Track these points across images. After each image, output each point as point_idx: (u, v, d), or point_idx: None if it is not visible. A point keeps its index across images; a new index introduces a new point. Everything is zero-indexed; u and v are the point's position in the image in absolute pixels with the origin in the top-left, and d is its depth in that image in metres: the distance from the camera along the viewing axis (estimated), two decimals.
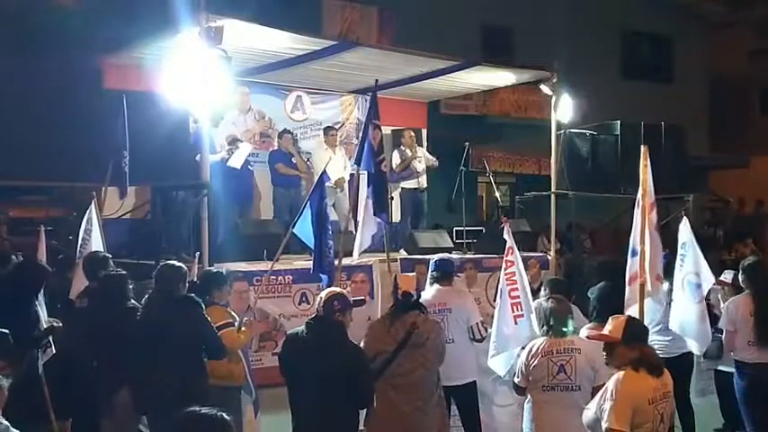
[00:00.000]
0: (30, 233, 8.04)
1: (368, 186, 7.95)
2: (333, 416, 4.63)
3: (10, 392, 3.56)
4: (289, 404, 4.81)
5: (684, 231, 6.28)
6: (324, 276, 6.73)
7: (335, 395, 4.60)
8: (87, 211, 7.39)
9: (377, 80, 8.12)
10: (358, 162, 8.14)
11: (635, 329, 4.23)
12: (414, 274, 5.64)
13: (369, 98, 12.34)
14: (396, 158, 11.22)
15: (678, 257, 6.24)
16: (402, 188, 11.38)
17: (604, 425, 3.94)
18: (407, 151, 11.28)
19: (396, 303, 5.30)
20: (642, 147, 5.84)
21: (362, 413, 4.99)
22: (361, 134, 7.41)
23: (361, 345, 5.15)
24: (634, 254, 5.73)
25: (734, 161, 20.33)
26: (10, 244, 8.41)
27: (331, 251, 6.81)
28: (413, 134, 11.52)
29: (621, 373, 4.04)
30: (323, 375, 4.59)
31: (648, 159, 5.81)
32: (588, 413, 4.17)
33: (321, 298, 4.87)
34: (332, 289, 5.08)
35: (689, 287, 6.08)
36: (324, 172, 7.21)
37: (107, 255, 6.77)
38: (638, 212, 5.80)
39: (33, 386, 5.45)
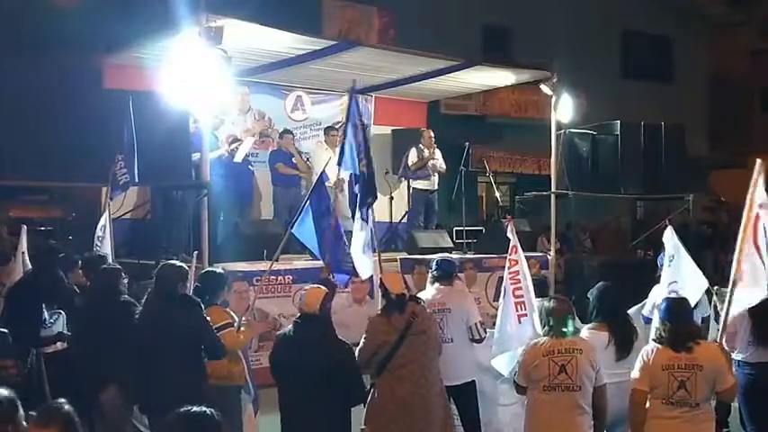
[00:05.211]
0: (29, 233, 8.04)
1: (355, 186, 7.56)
2: (324, 415, 4.67)
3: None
4: (279, 403, 4.87)
5: (671, 240, 6.38)
6: (344, 276, 6.65)
7: (327, 394, 4.64)
8: (102, 218, 7.43)
9: (354, 80, 7.76)
10: (339, 163, 7.51)
11: (672, 310, 4.87)
12: (398, 271, 5.64)
13: (367, 98, 12.49)
14: (413, 156, 11.17)
15: (667, 261, 6.33)
16: (414, 188, 11.34)
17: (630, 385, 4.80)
18: (425, 151, 11.22)
19: (388, 302, 5.32)
20: (758, 161, 5.85)
21: (362, 412, 5.02)
22: (340, 135, 7.14)
23: (362, 340, 5.18)
24: None
25: (734, 161, 20.29)
26: (10, 244, 8.41)
27: (348, 250, 6.74)
28: (432, 134, 11.42)
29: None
30: (315, 375, 4.63)
31: (762, 174, 5.88)
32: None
33: (307, 296, 4.92)
34: (315, 286, 5.11)
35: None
36: (323, 172, 7.16)
37: (102, 254, 6.83)
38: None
39: (35, 385, 5.46)
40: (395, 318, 5.18)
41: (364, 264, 6.85)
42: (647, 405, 4.74)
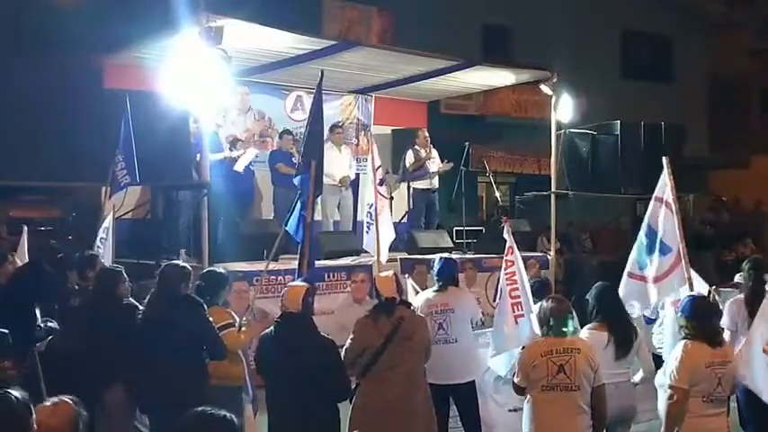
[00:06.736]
0: (29, 233, 8.04)
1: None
2: (311, 414, 4.69)
3: None
4: (266, 403, 4.90)
5: None
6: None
7: (313, 392, 4.66)
8: (106, 220, 7.45)
9: (322, 71, 7.54)
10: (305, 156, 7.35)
11: (697, 307, 4.88)
12: (391, 274, 5.60)
13: (368, 98, 12.49)
14: (410, 158, 11.15)
15: None
16: (414, 188, 11.32)
17: (668, 382, 4.72)
18: (422, 151, 11.20)
19: (377, 305, 5.36)
20: (664, 158, 6.42)
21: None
22: (309, 129, 7.08)
23: (349, 339, 5.19)
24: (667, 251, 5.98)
25: (734, 161, 20.32)
26: (10, 244, 8.42)
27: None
28: (427, 135, 11.36)
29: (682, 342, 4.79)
30: (299, 374, 4.65)
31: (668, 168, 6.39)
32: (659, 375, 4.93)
33: (288, 293, 4.94)
34: (297, 284, 5.13)
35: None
36: (308, 170, 7.14)
37: (94, 254, 6.83)
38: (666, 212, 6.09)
39: (32, 386, 5.45)
40: (381, 322, 5.19)
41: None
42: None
